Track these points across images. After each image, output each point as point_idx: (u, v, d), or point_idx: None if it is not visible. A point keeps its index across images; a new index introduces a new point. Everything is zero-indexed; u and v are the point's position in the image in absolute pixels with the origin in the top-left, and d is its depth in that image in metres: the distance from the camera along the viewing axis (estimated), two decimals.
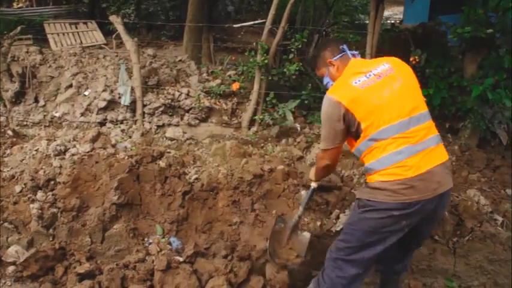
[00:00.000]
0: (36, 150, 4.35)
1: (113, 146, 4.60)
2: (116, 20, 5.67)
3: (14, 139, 4.85)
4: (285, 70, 5.32)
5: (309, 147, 4.76)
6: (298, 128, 5.16)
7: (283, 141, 4.97)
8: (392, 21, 11.90)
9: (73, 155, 4.26)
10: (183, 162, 4.23)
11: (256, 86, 5.23)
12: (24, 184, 3.88)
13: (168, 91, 5.39)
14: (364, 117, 2.44)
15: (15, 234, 3.68)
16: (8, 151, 4.49)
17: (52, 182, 3.96)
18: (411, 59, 5.60)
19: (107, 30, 8.47)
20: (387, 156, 2.41)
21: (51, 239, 3.67)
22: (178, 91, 5.39)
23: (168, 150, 4.45)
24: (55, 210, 3.74)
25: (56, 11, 10.86)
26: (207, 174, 4.02)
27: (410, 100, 2.49)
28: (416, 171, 2.37)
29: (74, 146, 4.44)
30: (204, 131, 5.15)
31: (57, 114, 5.30)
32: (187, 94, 5.37)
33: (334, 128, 2.56)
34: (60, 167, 4.08)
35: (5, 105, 5.67)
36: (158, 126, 5.12)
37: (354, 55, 2.75)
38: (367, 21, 5.39)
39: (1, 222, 3.68)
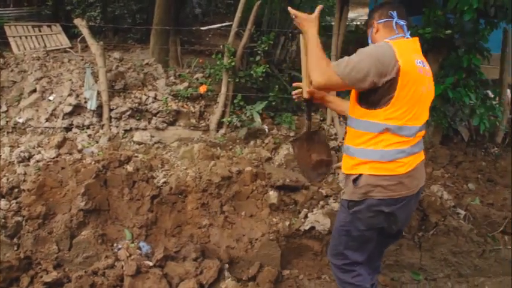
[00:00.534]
0: None
1: (80, 151, 4.53)
2: (80, 24, 5.58)
3: None
4: (252, 72, 5.35)
5: (277, 148, 4.80)
6: (266, 130, 5.20)
7: (252, 143, 5.00)
8: (358, 23, 12.10)
9: (38, 161, 4.18)
10: (151, 166, 4.21)
11: (223, 89, 5.24)
12: None
13: (135, 95, 5.34)
14: (401, 98, 2.31)
15: None
16: None
17: (16, 190, 3.88)
18: None
19: (72, 33, 8.31)
20: (390, 151, 2.39)
21: (15, 248, 3.59)
22: (145, 95, 5.35)
23: (136, 154, 4.42)
24: (19, 218, 3.67)
25: (17, 13, 10.55)
26: (175, 178, 4.02)
27: (428, 107, 2.51)
28: (407, 169, 2.41)
29: (39, 153, 4.36)
30: (172, 135, 5.12)
31: (20, 120, 5.18)
32: (155, 98, 5.34)
33: (369, 67, 2.26)
34: (25, 174, 4.01)
35: None
36: (125, 131, 5.07)
37: (401, 26, 2.51)
38: (334, 23, 5.47)
39: None
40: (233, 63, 5.15)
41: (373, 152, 2.41)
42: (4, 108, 5.39)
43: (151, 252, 3.61)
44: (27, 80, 5.59)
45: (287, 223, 3.85)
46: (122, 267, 3.34)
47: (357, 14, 16.16)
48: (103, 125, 5.06)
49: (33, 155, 4.28)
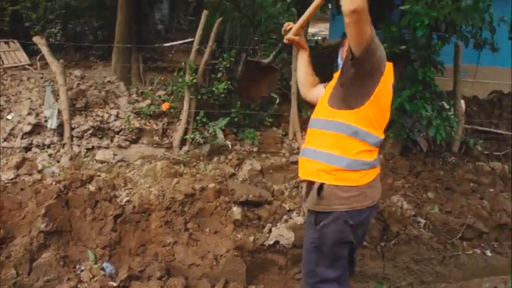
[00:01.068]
0: None
1: (40, 171, 4.45)
2: (39, 42, 5.49)
3: None
4: (214, 89, 5.38)
5: (240, 164, 4.83)
6: (229, 146, 5.23)
7: (215, 159, 5.02)
8: (319, 38, 12.35)
9: None
10: (113, 185, 4.16)
11: (186, 106, 5.25)
12: None
13: (97, 113, 5.29)
14: (377, 100, 2.33)
15: None
16: None
17: None
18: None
19: (32, 50, 8.10)
20: (357, 161, 2.38)
21: None
22: (107, 113, 5.30)
23: (98, 173, 4.37)
24: None
25: None
26: (138, 196, 3.99)
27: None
28: (368, 180, 2.42)
29: None
30: (135, 153, 5.09)
31: None
32: (117, 116, 5.30)
33: (381, 48, 2.26)
34: None
35: None
36: (87, 149, 5.00)
37: None
38: None
39: None
40: (195, 80, 5.18)
41: (339, 158, 2.37)
42: None
43: (115, 273, 3.56)
44: None
45: (251, 238, 3.87)
46: None
47: (318, 29, 16.45)
48: (64, 144, 4.98)
49: None
